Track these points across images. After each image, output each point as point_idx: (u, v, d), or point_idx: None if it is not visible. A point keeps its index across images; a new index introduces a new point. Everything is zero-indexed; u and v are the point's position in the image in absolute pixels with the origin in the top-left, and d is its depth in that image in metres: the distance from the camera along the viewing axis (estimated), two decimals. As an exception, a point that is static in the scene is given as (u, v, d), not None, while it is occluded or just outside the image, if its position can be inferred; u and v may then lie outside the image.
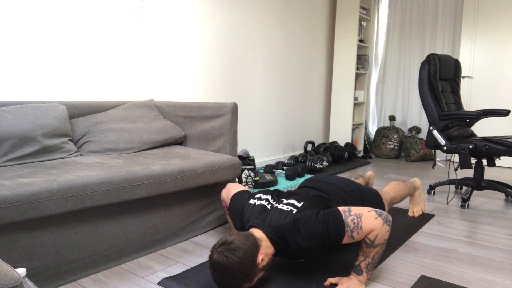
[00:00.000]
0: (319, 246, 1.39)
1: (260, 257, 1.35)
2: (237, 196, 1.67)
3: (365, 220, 1.38)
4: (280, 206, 1.51)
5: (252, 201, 1.60)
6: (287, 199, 1.55)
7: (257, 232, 1.45)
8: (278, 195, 1.62)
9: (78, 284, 1.51)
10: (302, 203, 1.49)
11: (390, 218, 1.41)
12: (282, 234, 1.41)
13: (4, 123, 1.72)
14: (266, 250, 1.40)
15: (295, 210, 1.46)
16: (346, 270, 1.62)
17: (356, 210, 1.41)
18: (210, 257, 1.34)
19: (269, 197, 1.60)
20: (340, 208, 1.42)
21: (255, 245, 1.36)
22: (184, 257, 1.76)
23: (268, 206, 1.54)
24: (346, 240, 1.39)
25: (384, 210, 1.84)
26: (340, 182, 1.81)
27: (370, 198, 1.80)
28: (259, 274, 1.38)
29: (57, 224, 1.47)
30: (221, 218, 2.18)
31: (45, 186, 1.37)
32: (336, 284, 1.48)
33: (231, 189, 1.74)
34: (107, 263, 1.64)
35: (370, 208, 1.43)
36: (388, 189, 2.06)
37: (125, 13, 2.53)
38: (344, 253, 1.79)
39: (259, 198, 1.60)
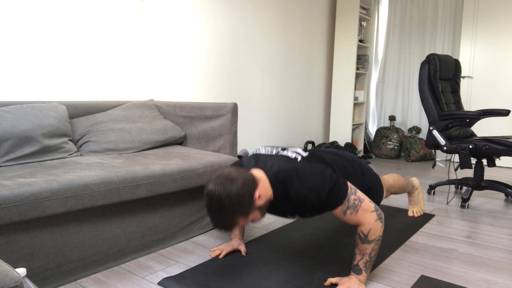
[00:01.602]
0: (315, 202, 1.35)
1: (257, 193, 1.32)
2: (234, 162, 1.65)
3: (364, 206, 1.37)
4: (284, 153, 1.49)
5: (250, 153, 1.59)
6: (292, 148, 1.54)
7: (257, 172, 1.42)
8: (281, 149, 1.61)
9: (78, 284, 1.51)
10: (308, 153, 1.48)
11: (383, 215, 1.41)
12: (283, 179, 1.38)
13: (4, 123, 1.72)
14: (264, 190, 1.37)
15: (299, 158, 1.43)
16: (346, 270, 1.62)
17: (360, 194, 1.40)
18: (207, 187, 1.30)
19: (269, 147, 1.59)
20: (348, 183, 1.41)
21: (254, 180, 1.33)
22: (184, 257, 1.76)
23: (269, 153, 1.52)
24: (338, 212, 1.38)
25: (383, 192, 1.82)
26: (342, 152, 1.80)
27: (371, 174, 1.78)
28: (255, 212, 1.35)
29: (57, 224, 1.47)
30: (221, 218, 2.18)
31: (45, 186, 1.37)
32: (336, 284, 1.48)
33: None
34: (107, 263, 1.64)
35: (371, 200, 1.42)
36: (386, 177, 2.06)
37: (125, 13, 2.53)
38: (344, 253, 1.79)
39: (258, 149, 1.60)
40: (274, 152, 1.53)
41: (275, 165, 1.43)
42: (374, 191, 1.77)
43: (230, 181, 1.28)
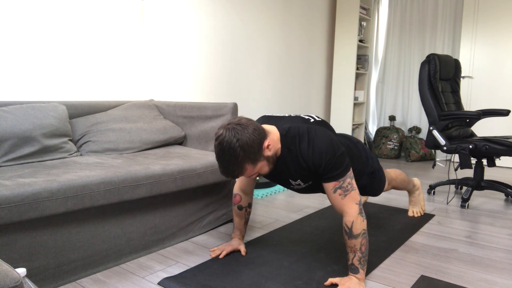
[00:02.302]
0: (316, 164, 1.36)
1: (266, 142, 1.34)
2: None
3: (353, 194, 1.40)
4: (298, 114, 1.51)
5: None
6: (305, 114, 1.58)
7: (268, 126, 1.44)
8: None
9: (78, 284, 1.51)
10: (321, 119, 1.49)
11: (364, 211, 1.45)
12: (294, 135, 1.39)
13: (4, 123, 1.72)
14: (273, 142, 1.39)
15: (312, 120, 1.45)
16: (346, 270, 1.62)
17: (355, 183, 1.43)
18: (217, 132, 1.32)
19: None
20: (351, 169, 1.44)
21: (264, 131, 1.35)
22: (184, 257, 1.76)
23: (281, 115, 1.54)
24: (329, 186, 1.39)
25: (385, 180, 1.84)
26: (347, 135, 1.83)
27: (374, 160, 1.80)
28: (262, 162, 1.36)
29: (57, 224, 1.47)
30: (221, 218, 2.18)
31: (45, 186, 1.37)
32: (336, 284, 1.48)
33: (240, 178, 1.74)
34: (107, 263, 1.64)
35: (360, 195, 1.45)
36: (389, 170, 2.08)
37: (125, 13, 2.53)
38: (344, 253, 1.79)
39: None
40: (287, 115, 1.55)
41: (287, 122, 1.45)
42: (377, 176, 1.78)
43: (240, 127, 1.29)
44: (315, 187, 1.57)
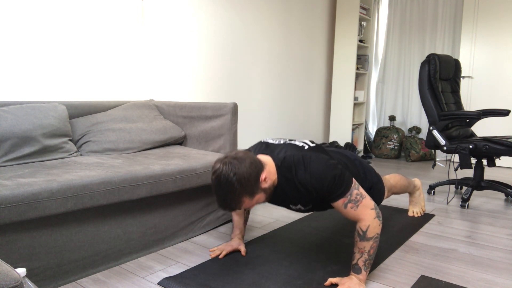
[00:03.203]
0: (318, 190, 1.37)
1: (263, 175, 1.34)
2: None
3: (364, 202, 1.39)
4: (292, 141, 1.51)
5: (258, 142, 1.61)
6: (300, 139, 1.57)
7: (263, 157, 1.44)
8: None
9: (78, 284, 1.51)
10: (315, 144, 1.50)
11: (381, 214, 1.44)
12: (289, 164, 1.40)
13: (4, 123, 1.72)
14: (270, 174, 1.39)
15: (307, 146, 1.46)
16: (346, 270, 1.62)
17: (363, 191, 1.42)
18: (214, 166, 1.32)
19: (275, 138, 1.61)
20: (353, 178, 1.43)
21: (260, 163, 1.36)
22: (184, 257, 1.76)
23: (276, 142, 1.54)
24: (339, 203, 1.39)
25: (384, 191, 1.83)
26: (344, 151, 1.82)
27: (373, 174, 1.79)
28: (260, 194, 1.37)
29: (57, 224, 1.47)
30: (221, 218, 2.18)
31: (45, 186, 1.37)
32: (336, 284, 1.48)
33: None
34: (107, 263, 1.64)
35: (371, 199, 1.44)
36: (388, 177, 2.07)
37: (125, 13, 2.53)
38: (344, 253, 1.79)
39: (265, 139, 1.62)
40: (281, 141, 1.54)
41: (282, 151, 1.45)
42: (375, 190, 1.78)
43: (237, 161, 1.30)
44: (316, 208, 1.58)
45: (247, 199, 1.34)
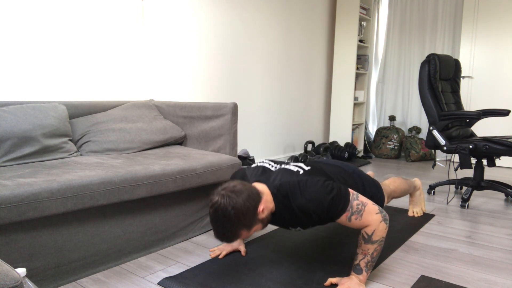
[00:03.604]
0: (318, 212, 1.37)
1: (261, 207, 1.34)
2: (238, 170, 1.68)
3: (367, 210, 1.39)
4: (287, 166, 1.51)
5: (254, 165, 1.61)
6: (294, 163, 1.56)
7: (260, 186, 1.44)
8: (282, 163, 1.63)
9: (78, 284, 1.51)
10: (309, 167, 1.49)
11: (387, 217, 1.43)
12: (285, 192, 1.39)
13: (4, 123, 1.72)
14: (267, 204, 1.39)
15: (301, 171, 1.45)
16: (346, 270, 1.62)
17: (363, 198, 1.42)
18: (212, 198, 1.32)
19: (272, 162, 1.61)
20: (350, 190, 1.43)
21: (258, 194, 1.35)
22: (184, 257, 1.76)
23: (272, 168, 1.54)
24: (343, 219, 1.39)
25: (383, 199, 1.83)
26: (342, 164, 1.81)
27: (371, 185, 1.79)
28: (257, 225, 1.37)
29: (57, 224, 1.47)
30: (221, 218, 2.18)
31: (45, 186, 1.37)
32: (336, 284, 1.48)
33: None
34: (107, 263, 1.64)
35: (374, 203, 1.43)
36: (388, 182, 2.06)
37: (125, 13, 2.53)
38: (344, 253, 1.79)
39: (262, 162, 1.61)
40: (276, 167, 1.54)
41: (277, 178, 1.44)
42: (375, 200, 1.78)
43: (235, 194, 1.30)
44: (317, 225, 1.58)
45: (245, 231, 1.35)
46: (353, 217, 1.38)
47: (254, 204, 1.32)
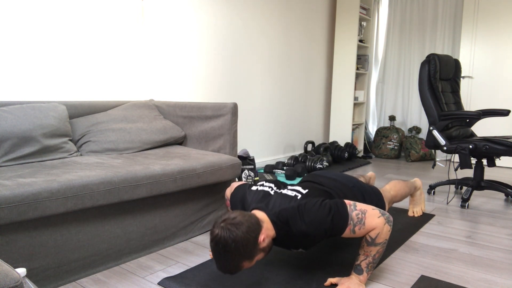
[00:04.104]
0: (320, 234, 1.38)
1: (261, 237, 1.34)
2: (238, 187, 1.67)
3: (369, 217, 1.38)
4: (284, 191, 1.51)
5: (254, 188, 1.60)
6: (291, 186, 1.55)
7: (259, 214, 1.44)
8: (281, 184, 1.63)
9: (78, 284, 1.51)
10: (307, 190, 1.49)
11: (391, 218, 1.42)
12: (285, 218, 1.40)
13: (4, 123, 1.72)
14: (267, 232, 1.39)
15: (299, 196, 1.45)
16: (346, 270, 1.62)
17: (361, 206, 1.42)
18: (212, 232, 1.32)
19: (272, 184, 1.60)
20: (346, 201, 1.42)
21: (258, 224, 1.35)
22: (184, 257, 1.76)
23: (271, 192, 1.53)
24: (347, 233, 1.39)
25: (384, 208, 1.84)
26: (342, 178, 1.81)
27: (371, 195, 1.80)
28: (259, 254, 1.37)
29: (57, 224, 1.47)
30: (221, 218, 2.18)
31: (45, 186, 1.37)
32: (336, 284, 1.48)
33: (234, 186, 1.74)
34: (107, 263, 1.64)
35: (374, 207, 1.43)
36: (388, 187, 2.06)
37: (125, 13, 2.53)
38: (344, 253, 1.79)
39: (262, 185, 1.60)
40: (274, 191, 1.55)
41: (276, 205, 1.45)
42: None
43: (235, 226, 1.29)
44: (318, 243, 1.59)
45: (247, 263, 1.35)
46: (356, 228, 1.38)
47: (254, 236, 1.32)
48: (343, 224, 1.37)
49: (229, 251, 1.28)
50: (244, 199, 1.59)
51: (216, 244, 1.29)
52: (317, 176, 1.82)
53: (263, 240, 1.36)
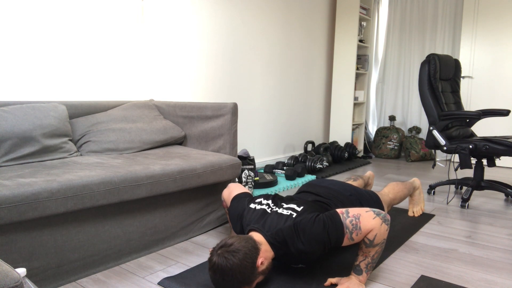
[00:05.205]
0: (319, 250, 1.39)
1: (259, 260, 1.35)
2: (237, 199, 1.67)
3: (363, 220, 1.38)
4: (280, 210, 1.51)
5: (252, 206, 1.60)
6: (287, 204, 1.55)
7: (256, 236, 1.45)
8: (278, 200, 1.62)
9: (78, 284, 1.51)
10: (302, 207, 1.50)
11: (388, 217, 1.42)
12: (282, 239, 1.41)
13: (4, 123, 1.72)
14: (265, 254, 1.40)
15: (295, 214, 1.46)
16: (346, 270, 1.62)
17: (354, 211, 1.41)
18: (210, 259, 1.33)
19: (270, 201, 1.60)
20: (338, 210, 1.42)
21: (255, 248, 1.36)
22: (184, 257, 1.76)
23: (269, 210, 1.54)
24: (346, 242, 1.40)
25: (382, 209, 1.84)
26: (338, 186, 1.81)
27: (369, 201, 1.81)
28: (258, 278, 1.38)
29: (57, 224, 1.47)
30: (221, 218, 2.18)
31: (45, 186, 1.37)
32: (336, 284, 1.48)
33: (232, 190, 1.74)
34: (107, 263, 1.64)
35: (368, 208, 1.43)
36: (387, 190, 2.06)
37: (125, 13, 2.53)
38: (344, 253, 1.79)
39: (260, 203, 1.60)
40: (270, 209, 1.55)
41: (272, 226, 1.45)
42: None
43: (231, 254, 1.30)
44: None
45: (246, 287, 1.36)
46: (353, 235, 1.38)
47: (251, 262, 1.32)
48: (340, 235, 1.38)
49: (227, 279, 1.30)
50: (242, 216, 1.60)
51: (214, 273, 1.31)
52: (314, 185, 1.82)
53: (261, 263, 1.37)
